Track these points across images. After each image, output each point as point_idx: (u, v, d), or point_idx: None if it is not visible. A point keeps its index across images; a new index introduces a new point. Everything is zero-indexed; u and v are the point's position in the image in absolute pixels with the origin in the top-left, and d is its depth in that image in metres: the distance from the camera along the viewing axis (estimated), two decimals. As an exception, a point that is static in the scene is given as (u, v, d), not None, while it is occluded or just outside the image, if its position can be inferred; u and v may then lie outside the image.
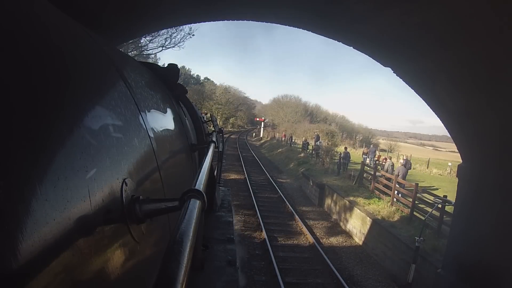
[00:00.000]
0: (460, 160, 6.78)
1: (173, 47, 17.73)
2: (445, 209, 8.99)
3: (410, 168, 14.71)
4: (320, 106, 67.31)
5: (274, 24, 6.56)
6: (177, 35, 17.35)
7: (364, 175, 14.99)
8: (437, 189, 14.39)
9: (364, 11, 4.83)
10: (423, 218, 9.10)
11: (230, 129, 59.71)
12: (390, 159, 16.01)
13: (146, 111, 1.25)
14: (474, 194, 6.00)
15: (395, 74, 6.37)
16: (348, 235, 11.42)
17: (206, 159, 1.51)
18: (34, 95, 0.56)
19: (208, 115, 11.96)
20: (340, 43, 6.33)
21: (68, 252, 0.53)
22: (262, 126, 53.42)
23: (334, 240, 10.86)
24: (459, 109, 5.85)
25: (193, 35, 17.81)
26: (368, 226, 10.46)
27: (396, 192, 11.67)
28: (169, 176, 1.35)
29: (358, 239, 10.89)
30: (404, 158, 14.04)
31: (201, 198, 0.78)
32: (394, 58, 6.08)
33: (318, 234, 11.19)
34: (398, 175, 12.18)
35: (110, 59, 1.13)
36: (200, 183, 1.01)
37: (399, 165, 13.54)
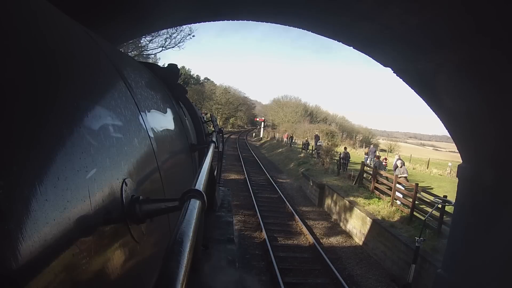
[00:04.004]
0: (460, 160, 6.77)
1: (173, 47, 17.77)
2: (445, 209, 8.98)
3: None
4: (320, 106, 67.16)
5: (273, 24, 6.56)
6: (177, 35, 17.39)
7: (364, 175, 14.98)
8: (435, 188, 14.38)
9: (364, 10, 4.83)
10: (423, 218, 9.10)
11: (230, 129, 59.68)
12: (379, 158, 16.00)
13: (146, 111, 1.25)
14: (474, 194, 5.99)
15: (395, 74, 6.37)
16: (348, 235, 11.41)
17: (206, 159, 1.52)
18: (34, 95, 0.56)
19: (208, 115, 11.96)
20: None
21: (68, 252, 0.53)
22: (262, 126, 53.38)
23: (334, 240, 10.85)
24: (459, 109, 5.84)
25: (193, 35, 17.84)
26: (368, 226, 10.45)
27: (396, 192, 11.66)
28: (169, 176, 1.35)
29: (358, 239, 10.88)
30: (397, 157, 14.12)
31: (201, 198, 0.78)
32: (394, 58, 6.07)
33: (318, 234, 11.18)
34: (401, 175, 12.15)
35: (110, 59, 1.13)
36: (200, 183, 1.00)
37: (399, 164, 13.49)
